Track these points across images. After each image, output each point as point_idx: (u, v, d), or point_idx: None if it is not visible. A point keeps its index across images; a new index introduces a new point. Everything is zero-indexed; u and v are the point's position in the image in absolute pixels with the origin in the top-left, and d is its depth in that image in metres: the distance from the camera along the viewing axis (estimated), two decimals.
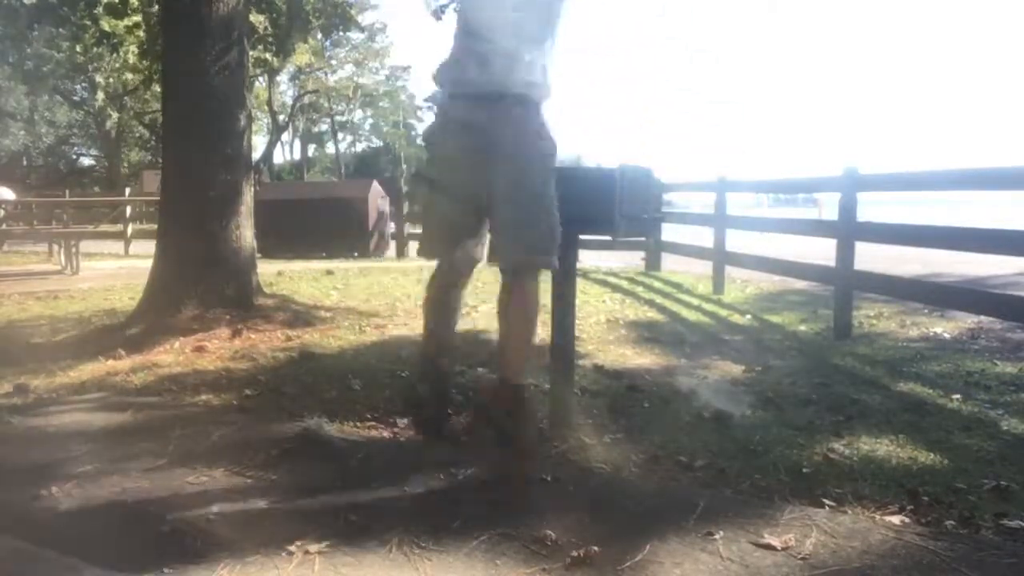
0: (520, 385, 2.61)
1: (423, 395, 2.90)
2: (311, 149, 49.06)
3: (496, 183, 2.54)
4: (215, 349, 4.62)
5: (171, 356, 4.49)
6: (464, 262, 2.81)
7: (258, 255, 6.31)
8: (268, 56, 9.41)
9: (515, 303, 2.61)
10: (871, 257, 5.95)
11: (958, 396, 3.59)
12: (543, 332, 4.88)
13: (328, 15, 9.20)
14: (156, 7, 7.43)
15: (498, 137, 2.54)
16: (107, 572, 1.94)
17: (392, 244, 13.37)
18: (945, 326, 5.49)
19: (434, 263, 2.90)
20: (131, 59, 10.96)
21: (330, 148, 48.77)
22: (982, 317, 5.45)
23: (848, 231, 5.33)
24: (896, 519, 2.20)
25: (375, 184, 13.74)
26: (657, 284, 8.21)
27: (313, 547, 2.02)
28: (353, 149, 49.75)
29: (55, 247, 12.07)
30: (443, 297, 2.90)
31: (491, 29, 2.55)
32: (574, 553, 1.96)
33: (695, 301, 6.93)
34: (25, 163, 36.48)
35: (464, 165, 2.60)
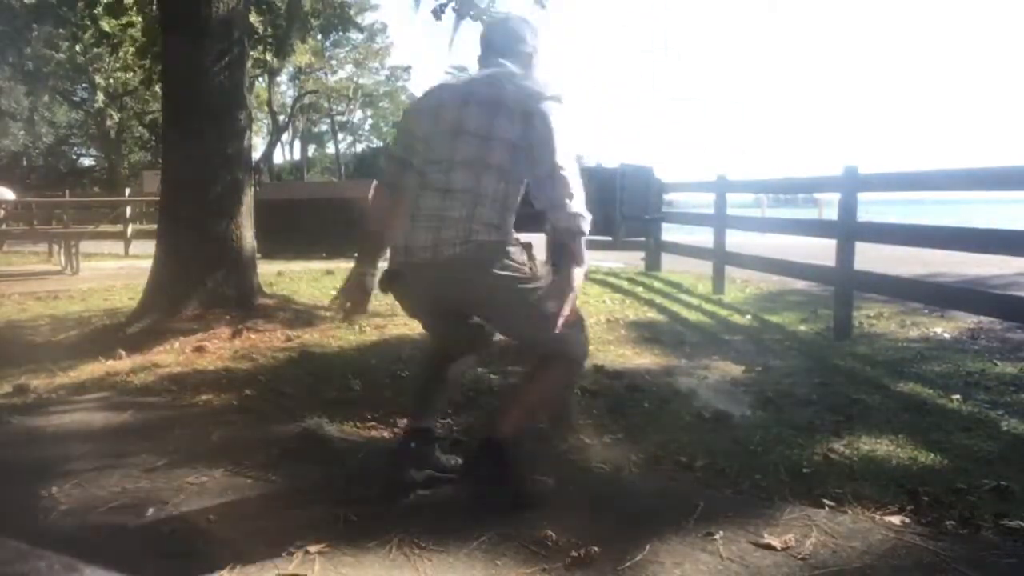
0: (502, 439, 2.27)
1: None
2: (311, 149, 49.04)
3: None
4: (215, 349, 4.62)
5: (171, 356, 4.49)
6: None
7: (258, 255, 6.31)
8: (268, 56, 9.40)
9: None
10: (872, 257, 5.95)
11: (958, 396, 3.59)
12: None
13: (327, 16, 9.19)
14: (155, 7, 7.41)
15: None
16: (107, 572, 1.94)
17: None
18: (945, 326, 5.48)
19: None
20: (129, 59, 10.95)
21: (330, 148, 48.75)
22: (982, 317, 5.45)
23: (848, 231, 5.33)
24: (896, 519, 2.20)
25: (375, 184, 13.76)
26: (657, 284, 8.21)
27: (313, 547, 2.02)
28: (353, 149, 49.72)
29: (55, 247, 12.06)
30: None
31: None
32: (574, 553, 1.96)
33: (695, 301, 6.93)
34: (25, 163, 36.44)
35: None
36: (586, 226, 2.16)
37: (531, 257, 2.32)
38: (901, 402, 3.52)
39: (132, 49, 9.23)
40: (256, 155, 27.67)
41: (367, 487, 2.43)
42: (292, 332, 5.05)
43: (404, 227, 2.27)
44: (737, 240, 7.94)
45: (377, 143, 49.57)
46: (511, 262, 2.24)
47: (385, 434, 3.06)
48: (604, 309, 6.33)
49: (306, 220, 12.48)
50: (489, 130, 2.20)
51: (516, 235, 2.32)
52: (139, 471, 2.62)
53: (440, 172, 2.23)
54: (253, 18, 7.88)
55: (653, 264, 9.65)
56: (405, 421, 3.13)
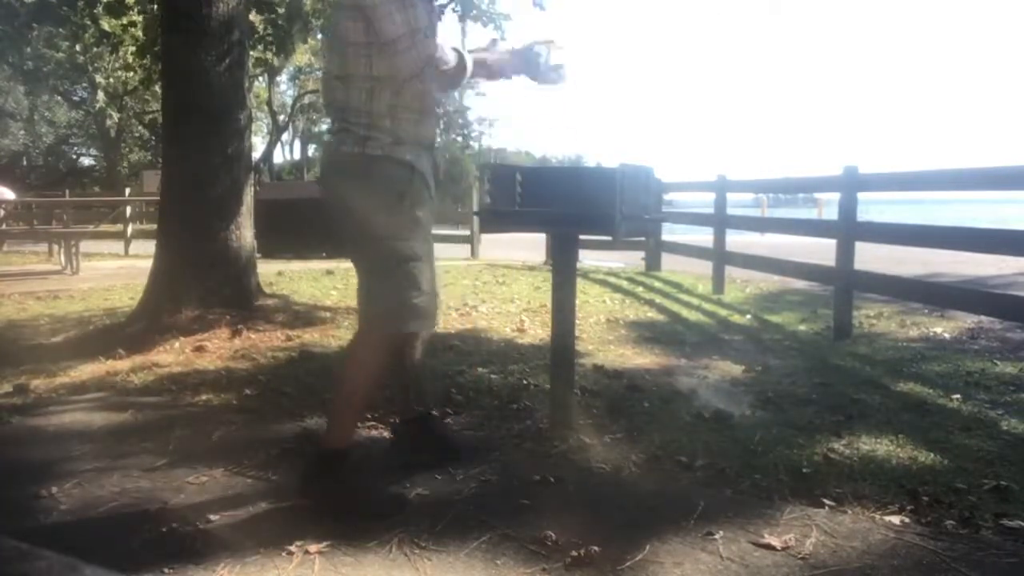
0: (324, 451, 2.31)
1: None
2: (311, 149, 49.01)
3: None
4: (215, 349, 4.62)
5: (171, 356, 4.49)
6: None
7: (258, 255, 6.31)
8: (268, 56, 9.40)
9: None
10: (872, 257, 5.95)
11: (958, 396, 3.59)
12: (543, 332, 4.87)
13: (328, 16, 9.20)
14: (155, 7, 7.42)
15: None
16: (107, 572, 1.93)
17: None
18: (945, 326, 5.49)
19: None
20: (129, 58, 10.97)
21: None
22: (982, 317, 5.45)
23: (848, 231, 5.33)
24: (896, 519, 2.20)
25: None
26: (657, 284, 8.21)
27: (313, 547, 2.02)
28: None
29: (55, 247, 12.07)
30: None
31: None
32: (574, 553, 1.96)
33: (695, 301, 6.93)
34: (25, 163, 36.48)
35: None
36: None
37: (408, 188, 2.28)
38: (901, 402, 3.52)
39: (132, 48, 9.23)
40: (256, 155, 27.70)
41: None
42: (292, 332, 5.05)
43: None
44: (737, 240, 7.94)
45: None
46: (373, 184, 2.27)
47: (385, 434, 3.06)
48: (604, 309, 6.33)
49: (306, 220, 12.47)
50: (339, 33, 2.26)
51: (408, 157, 2.29)
52: (139, 471, 2.62)
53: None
54: (253, 18, 7.88)
55: (653, 264, 9.65)
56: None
